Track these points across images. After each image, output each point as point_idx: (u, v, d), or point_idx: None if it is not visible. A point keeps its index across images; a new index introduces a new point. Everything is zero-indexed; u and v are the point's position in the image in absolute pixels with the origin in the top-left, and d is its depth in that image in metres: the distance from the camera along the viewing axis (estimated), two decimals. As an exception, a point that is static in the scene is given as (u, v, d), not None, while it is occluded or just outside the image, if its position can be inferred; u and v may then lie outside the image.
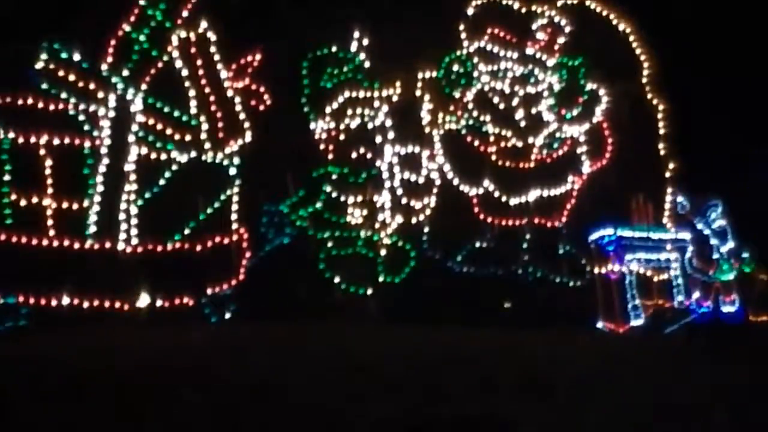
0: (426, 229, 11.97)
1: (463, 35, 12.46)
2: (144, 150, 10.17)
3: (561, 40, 12.70)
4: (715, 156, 14.05)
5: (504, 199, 12.41)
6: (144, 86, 10.20)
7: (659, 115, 13.28)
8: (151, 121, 10.22)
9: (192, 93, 10.47)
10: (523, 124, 12.47)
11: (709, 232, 13.47)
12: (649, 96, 13.24)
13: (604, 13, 13.11)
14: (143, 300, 9.80)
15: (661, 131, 13.25)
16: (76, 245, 9.75)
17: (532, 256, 12.42)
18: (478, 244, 12.33)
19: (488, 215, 12.38)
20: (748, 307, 13.47)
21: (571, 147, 12.72)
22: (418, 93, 12.12)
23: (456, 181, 12.21)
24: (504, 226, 12.43)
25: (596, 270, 12.64)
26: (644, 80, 13.28)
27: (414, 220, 11.90)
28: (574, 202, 12.68)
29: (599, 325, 12.29)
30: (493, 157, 12.40)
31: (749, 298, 13.54)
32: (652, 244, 12.80)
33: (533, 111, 12.52)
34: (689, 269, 13.10)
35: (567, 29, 12.75)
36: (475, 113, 12.33)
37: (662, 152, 13.22)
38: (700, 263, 13.22)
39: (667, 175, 13.20)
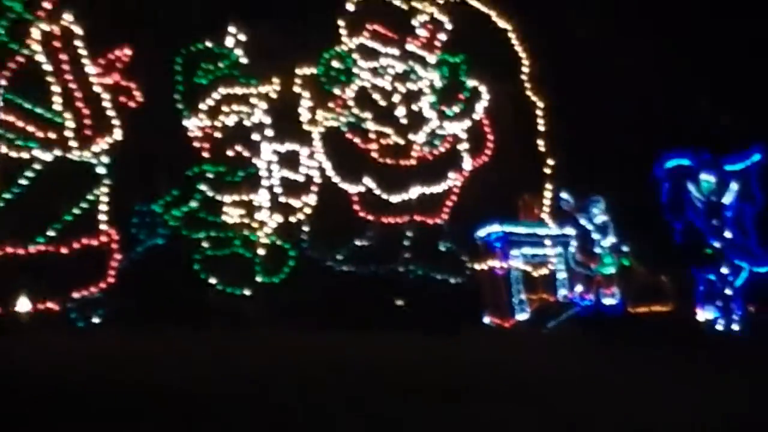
0: (306, 228, 11.72)
1: (343, 31, 12.22)
2: (4, 149, 9.56)
3: (442, 37, 12.52)
4: (596, 153, 13.76)
5: (385, 197, 12.19)
6: (3, 82, 9.58)
7: (538, 113, 13.12)
8: (11, 119, 9.66)
9: (56, 89, 9.92)
10: (404, 121, 12.26)
11: (591, 227, 13.46)
12: (529, 93, 13.11)
13: (485, 10, 12.92)
14: (22, 305, 9.21)
15: (541, 128, 13.04)
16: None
17: (413, 254, 12.21)
18: (358, 243, 12.11)
19: (369, 213, 12.15)
20: (628, 300, 13.53)
21: (453, 144, 12.55)
22: (297, 90, 11.83)
23: (336, 179, 11.97)
24: (385, 224, 12.23)
25: (483, 266, 12.53)
26: (524, 78, 13.17)
27: (293, 219, 11.62)
28: (455, 199, 12.51)
29: (486, 320, 12.25)
30: (374, 155, 12.18)
31: (629, 291, 13.52)
32: (537, 240, 12.84)
33: (414, 108, 12.33)
34: (572, 264, 13.11)
35: (448, 26, 12.51)
36: (355, 110, 12.08)
37: (541, 149, 12.93)
38: (582, 257, 13.21)
39: (547, 171, 12.95)
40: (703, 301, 13.54)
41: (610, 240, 13.52)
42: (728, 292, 13.50)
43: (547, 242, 12.97)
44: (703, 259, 13.49)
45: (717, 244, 13.45)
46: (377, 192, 12.16)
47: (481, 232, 12.54)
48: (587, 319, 12.81)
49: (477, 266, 12.51)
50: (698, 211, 13.48)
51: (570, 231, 13.21)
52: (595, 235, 13.50)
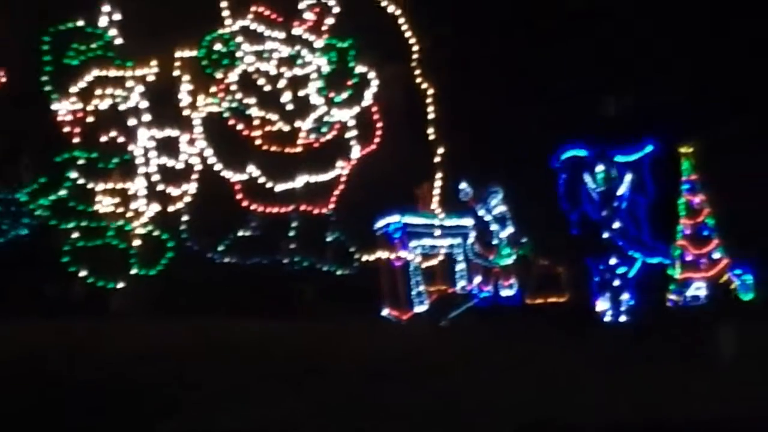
0: (185, 218, 11.09)
1: (226, 13, 11.55)
2: None
3: (329, 21, 11.94)
4: (492, 142, 13.45)
5: (269, 185, 11.58)
6: None
7: (428, 99, 12.61)
8: None
9: None
10: (290, 107, 11.64)
11: (489, 218, 13.20)
12: (419, 80, 12.57)
13: (373, -6, 12.30)
14: None
15: (430, 116, 12.52)
16: None
17: (299, 244, 11.65)
18: (241, 233, 11.51)
19: (252, 202, 11.53)
20: (526, 291, 13.28)
21: (340, 131, 11.97)
22: (176, 73, 11.16)
23: (218, 167, 11.34)
24: (269, 214, 11.63)
25: (378, 257, 12.09)
26: (413, 64, 12.62)
27: (171, 209, 10.98)
28: (343, 188, 11.95)
29: (384, 312, 11.90)
30: (258, 142, 11.55)
31: (526, 282, 13.33)
32: (435, 231, 12.47)
33: (301, 94, 11.70)
34: (471, 255, 12.83)
35: (335, 10, 11.91)
36: (238, 95, 11.44)
37: (431, 137, 12.43)
38: (481, 249, 12.99)
39: (437, 160, 12.47)
40: (599, 292, 13.32)
41: (509, 231, 13.28)
42: (617, 283, 13.28)
43: (437, 232, 12.52)
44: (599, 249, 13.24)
45: (608, 235, 13.20)
46: (261, 180, 11.55)
47: (380, 223, 12.15)
48: (486, 311, 12.64)
49: (366, 257, 11.90)
50: (594, 202, 13.27)
51: (468, 222, 12.92)
52: (494, 226, 13.24)
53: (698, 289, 15.40)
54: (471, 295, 12.78)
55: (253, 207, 11.52)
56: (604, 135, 13.52)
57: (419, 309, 11.96)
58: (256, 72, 11.55)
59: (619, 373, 9.12)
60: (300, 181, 11.74)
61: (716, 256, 15.35)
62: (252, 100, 11.48)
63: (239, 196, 11.47)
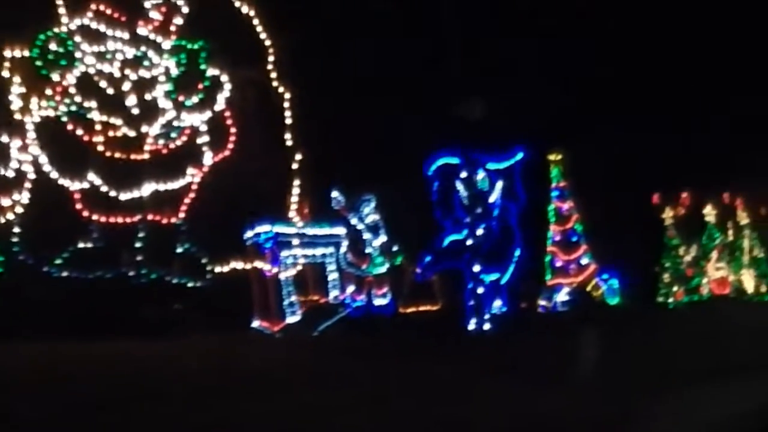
0: (17, 230, 10.06)
1: (62, 10, 10.58)
2: None
3: (178, 21, 11.05)
4: (364, 149, 12.97)
5: (113, 194, 10.65)
6: None
7: (285, 104, 11.83)
8: None
9: None
10: (135, 111, 10.73)
11: (362, 226, 12.73)
12: (275, 83, 11.80)
13: (226, -7, 11.37)
14: None
15: (288, 121, 11.66)
16: None
17: (146, 256, 10.71)
18: (82, 245, 10.51)
19: (94, 212, 10.58)
20: (398, 300, 12.94)
21: (191, 137, 11.09)
22: (5, 74, 10.17)
23: (54, 175, 10.38)
24: (113, 224, 10.67)
25: (252, 266, 11.34)
26: (269, 67, 11.85)
27: (2, 220, 10.00)
28: (194, 196, 11.09)
29: (255, 324, 11.20)
30: (100, 148, 10.59)
31: (399, 291, 12.98)
32: (307, 240, 11.93)
33: (147, 97, 10.81)
34: (343, 264, 12.44)
35: (184, 10, 10.98)
36: (77, 98, 10.49)
37: (289, 143, 11.56)
38: (353, 258, 12.55)
39: (294, 166, 11.71)
40: (471, 299, 12.84)
41: (381, 239, 12.80)
42: (480, 290, 12.84)
43: (295, 241, 11.79)
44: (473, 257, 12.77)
45: (471, 242, 12.78)
46: (104, 189, 10.61)
47: (250, 233, 11.34)
48: (359, 320, 12.26)
49: (219, 268, 10.95)
50: (466, 209, 12.87)
51: (340, 231, 12.38)
52: (366, 235, 12.78)
53: (568, 294, 15.47)
54: (344, 305, 12.31)
55: (94, 217, 10.58)
56: (475, 142, 13.15)
57: (291, 320, 11.34)
58: (98, 74, 10.62)
59: (488, 382, 8.87)
60: (147, 190, 10.83)
61: (584, 261, 15.71)
62: (93, 104, 10.55)
63: (79, 206, 10.51)
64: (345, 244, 12.42)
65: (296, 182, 11.77)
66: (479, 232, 12.72)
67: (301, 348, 10.68)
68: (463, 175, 12.77)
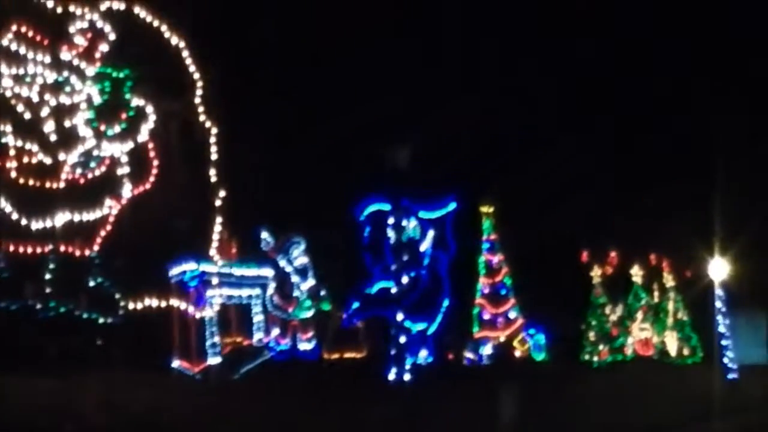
0: None
1: (-22, 30, 9.87)
2: None
3: (103, 47, 10.57)
4: (293, 189, 12.76)
5: (24, 222, 10.08)
6: None
7: (211, 139, 11.32)
8: None
9: None
10: (53, 138, 10.22)
11: (291, 269, 12.25)
12: (201, 117, 11.31)
13: (155, 23, 10.90)
14: None
15: (212, 156, 11.23)
16: None
17: (55, 288, 10.05)
18: (-15, 274, 9.86)
19: (2, 240, 9.97)
20: (324, 345, 12.49)
21: (111, 167, 10.61)
22: None
23: (-40, 199, 9.59)
24: (22, 254, 10.03)
25: (173, 304, 10.76)
26: (197, 100, 11.33)
27: None
28: (110, 228, 10.53)
29: (174, 364, 10.69)
30: (13, 174, 10.06)
31: (325, 336, 12.52)
32: (234, 280, 11.46)
33: (67, 124, 10.30)
34: (270, 306, 11.98)
35: (111, 36, 10.50)
36: (-8, 121, 9.89)
37: (213, 179, 11.09)
38: (280, 300, 12.09)
39: (217, 203, 11.21)
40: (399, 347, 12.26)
41: (309, 283, 12.37)
42: (403, 339, 12.31)
43: (217, 281, 11.15)
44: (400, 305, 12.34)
45: (396, 290, 12.31)
46: (14, 216, 10.03)
47: (175, 270, 10.83)
48: (283, 364, 11.77)
49: (133, 305, 10.31)
50: (395, 257, 12.44)
51: (268, 272, 11.92)
52: (294, 278, 12.31)
53: (494, 348, 15.14)
54: (267, 348, 11.81)
55: (2, 245, 9.95)
56: (407, 189, 12.80)
57: (212, 360, 10.79)
58: (14, 97, 10.11)
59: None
60: (60, 219, 10.25)
61: (512, 315, 15.42)
62: (8, 128, 10.06)
63: (-14, 233, 9.87)
64: (272, 286, 11.97)
65: (219, 220, 11.19)
66: (405, 280, 12.31)
67: (220, 391, 10.27)
68: (394, 222, 12.44)
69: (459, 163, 15.34)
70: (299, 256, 12.30)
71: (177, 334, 10.78)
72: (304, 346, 12.26)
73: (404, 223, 12.45)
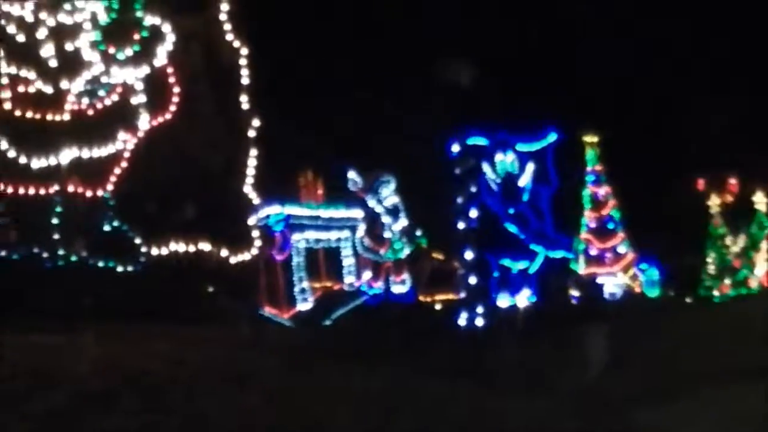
0: None
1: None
2: None
3: (109, -44, 8.49)
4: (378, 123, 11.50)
5: (23, 160, 8.07)
6: None
7: (240, 61, 9.18)
8: None
9: None
10: (53, 63, 8.20)
11: (381, 209, 10.78)
12: (228, 36, 9.08)
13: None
14: None
15: (243, 80, 9.16)
16: None
17: (64, 234, 8.04)
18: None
19: (0, 182, 8.06)
20: (419, 287, 11.11)
21: (124, 96, 8.53)
22: None
23: (-56, 137, 8.13)
24: (23, 196, 8.03)
25: (260, 250, 9.26)
26: (221, 16, 9.08)
27: None
28: (126, 166, 8.43)
29: (263, 310, 9.30)
30: (7, 106, 8.04)
31: (420, 278, 11.09)
32: (322, 223, 10.14)
33: (69, 47, 8.25)
34: (360, 249, 10.59)
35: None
36: (-22, 46, 8.43)
37: (244, 106, 9.18)
38: (371, 242, 10.65)
39: (251, 134, 9.18)
40: (498, 288, 10.77)
41: (402, 223, 10.93)
42: (473, 281, 10.76)
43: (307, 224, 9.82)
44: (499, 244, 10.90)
45: (512, 229, 10.75)
46: (12, 155, 7.99)
47: (259, 214, 9.46)
48: (376, 309, 10.51)
49: (154, 251, 8.21)
50: (494, 193, 10.90)
51: (357, 213, 10.54)
52: (385, 218, 10.85)
53: (604, 285, 13.69)
54: (360, 293, 10.53)
55: (1, 188, 8.01)
56: (505, 122, 11.21)
57: (302, 307, 9.60)
58: (4, 16, 8.02)
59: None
60: (66, 157, 8.19)
61: (621, 250, 13.96)
62: (-1, 53, 8.48)
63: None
64: (362, 227, 10.56)
65: (252, 152, 8.56)
66: (508, 217, 10.74)
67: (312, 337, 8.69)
68: (492, 157, 10.83)
69: (559, 90, 13.87)
70: (389, 196, 10.74)
71: (265, 279, 9.18)
72: (398, 288, 10.72)
73: (501, 156, 10.78)
